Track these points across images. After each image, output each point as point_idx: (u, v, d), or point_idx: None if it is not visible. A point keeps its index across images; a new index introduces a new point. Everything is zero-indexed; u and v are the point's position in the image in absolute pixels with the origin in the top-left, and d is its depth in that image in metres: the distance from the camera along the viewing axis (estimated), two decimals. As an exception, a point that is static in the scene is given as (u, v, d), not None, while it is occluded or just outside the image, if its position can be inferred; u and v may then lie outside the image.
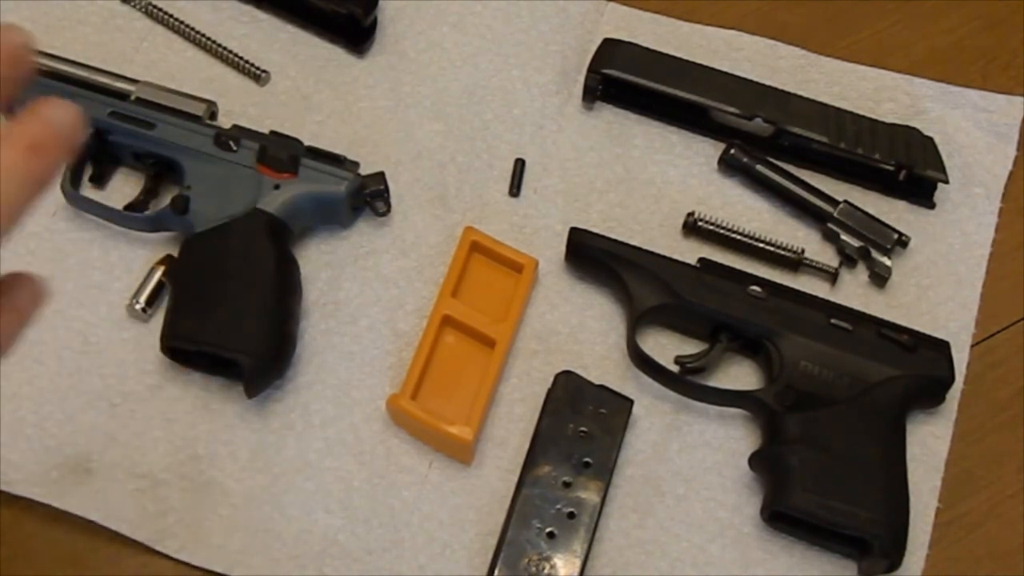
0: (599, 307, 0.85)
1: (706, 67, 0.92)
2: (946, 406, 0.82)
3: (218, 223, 0.81)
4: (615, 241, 0.84)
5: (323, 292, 0.85)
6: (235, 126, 0.86)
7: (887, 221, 0.87)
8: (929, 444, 0.82)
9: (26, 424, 0.79)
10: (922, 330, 0.83)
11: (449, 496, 0.79)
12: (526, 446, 0.79)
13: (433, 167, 0.90)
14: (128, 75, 0.88)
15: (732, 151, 0.89)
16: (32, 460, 0.78)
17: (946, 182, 0.88)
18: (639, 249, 0.84)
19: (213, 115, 0.88)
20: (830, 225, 0.87)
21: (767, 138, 0.90)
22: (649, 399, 0.82)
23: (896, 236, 0.86)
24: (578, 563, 0.75)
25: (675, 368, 0.82)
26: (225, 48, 0.92)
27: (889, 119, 0.91)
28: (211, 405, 0.81)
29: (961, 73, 0.95)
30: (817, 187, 0.89)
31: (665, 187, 0.90)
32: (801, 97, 0.91)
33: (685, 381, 0.81)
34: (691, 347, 0.84)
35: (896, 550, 0.74)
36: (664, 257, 0.84)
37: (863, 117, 0.90)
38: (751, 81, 0.91)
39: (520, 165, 0.90)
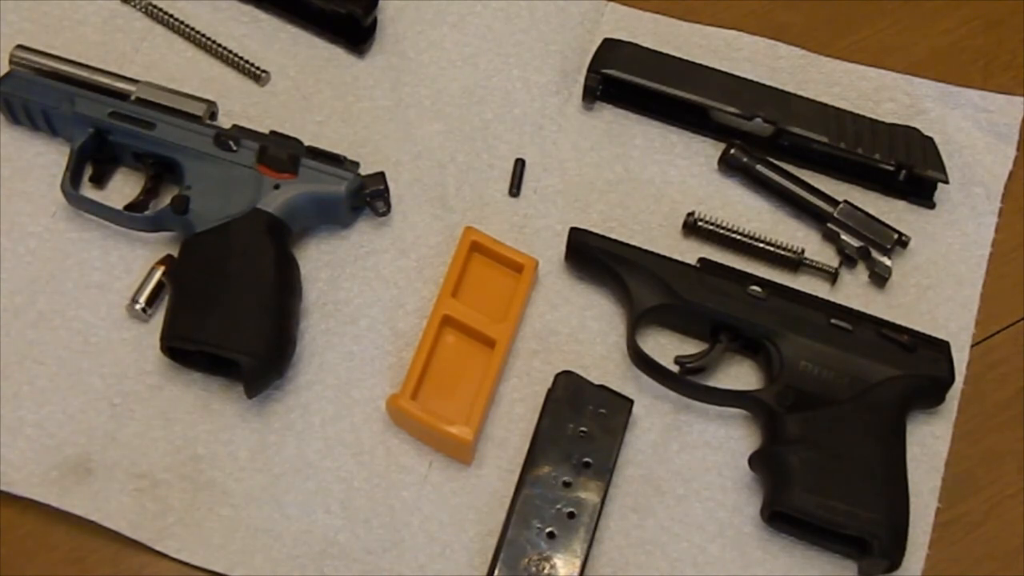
0: (599, 307, 0.85)
1: (706, 67, 0.92)
2: (946, 406, 0.82)
3: (218, 223, 0.81)
4: (615, 241, 0.84)
5: (323, 292, 0.85)
6: (235, 126, 0.86)
7: (887, 221, 0.87)
8: (929, 444, 0.82)
9: (26, 424, 0.79)
10: (922, 330, 0.83)
11: (449, 496, 0.79)
12: (526, 446, 0.79)
13: (433, 167, 0.90)
14: (128, 75, 0.89)
15: (732, 151, 0.89)
16: (32, 460, 0.78)
17: (946, 182, 0.88)
18: (639, 249, 0.84)
19: (213, 115, 0.88)
20: (830, 225, 0.87)
21: (767, 138, 0.90)
22: (649, 399, 0.82)
23: (896, 236, 0.86)
24: (578, 563, 0.75)
25: (675, 368, 0.82)
26: (225, 48, 0.92)
27: (889, 119, 0.91)
28: (211, 405, 0.81)
29: (961, 73, 0.95)
30: (817, 187, 0.89)
31: (665, 187, 0.90)
32: (801, 97, 0.91)
33: (685, 381, 0.81)
34: (691, 347, 0.84)
35: (896, 550, 0.74)
36: (664, 257, 0.84)
37: (863, 117, 0.90)
38: (751, 81, 0.91)
39: (520, 165, 0.90)
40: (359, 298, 0.85)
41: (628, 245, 0.84)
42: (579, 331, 0.84)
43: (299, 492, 0.79)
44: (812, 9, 0.98)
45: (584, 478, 0.77)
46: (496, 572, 0.75)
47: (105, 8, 0.94)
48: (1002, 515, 0.81)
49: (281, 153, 0.84)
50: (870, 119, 0.90)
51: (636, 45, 0.92)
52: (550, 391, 0.80)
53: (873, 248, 0.86)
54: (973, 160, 0.91)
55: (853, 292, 0.87)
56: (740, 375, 0.83)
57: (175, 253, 0.83)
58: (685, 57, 0.92)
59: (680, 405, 0.82)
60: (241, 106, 0.91)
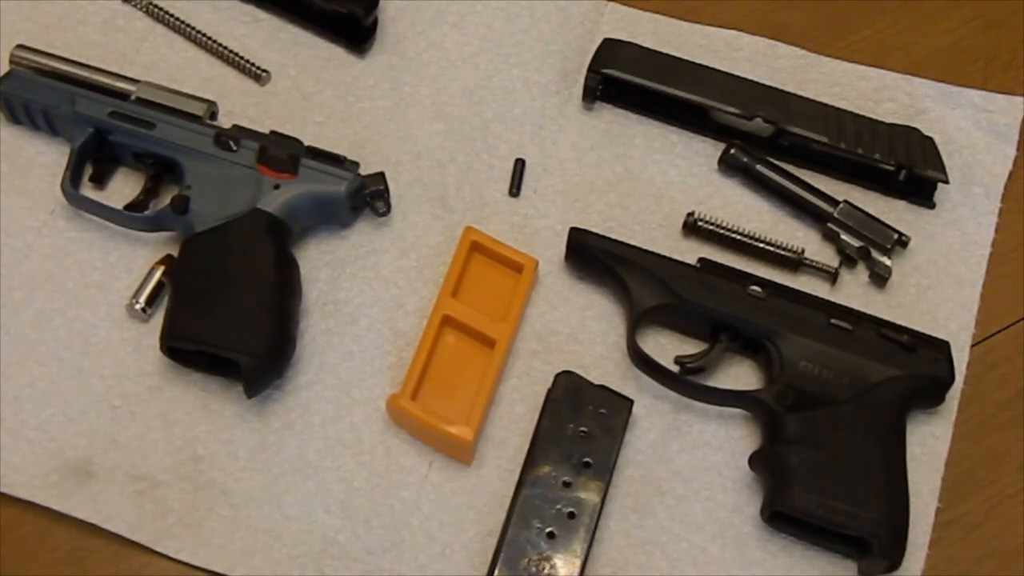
0: (599, 307, 0.85)
1: (706, 67, 0.92)
2: (946, 406, 0.82)
3: (218, 223, 0.81)
4: (615, 241, 0.84)
5: (323, 292, 0.85)
6: (235, 126, 0.86)
7: (887, 221, 0.87)
8: (929, 444, 0.82)
9: (28, 427, 0.79)
10: (922, 330, 0.83)
11: (449, 496, 0.79)
12: (526, 446, 0.79)
13: (433, 167, 0.90)
14: (128, 75, 0.89)
15: (732, 151, 0.89)
16: (33, 463, 0.78)
17: (946, 182, 0.88)
18: (639, 249, 0.84)
19: (213, 115, 0.88)
20: (830, 225, 0.87)
21: (767, 138, 0.90)
22: (649, 399, 0.82)
23: (896, 236, 0.86)
24: (578, 563, 0.75)
25: (675, 368, 0.82)
26: (225, 48, 0.92)
27: (889, 119, 0.91)
28: (211, 405, 0.81)
29: (961, 73, 0.95)
30: (817, 187, 0.89)
31: (665, 187, 0.90)
32: (801, 97, 0.91)
33: (685, 381, 0.81)
34: (691, 347, 0.84)
35: (896, 550, 0.74)
36: (664, 257, 0.84)
37: (863, 117, 0.90)
38: (751, 81, 0.91)
39: (520, 165, 0.90)
40: (359, 298, 0.85)
41: (628, 245, 0.84)
42: (579, 331, 0.84)
43: (299, 492, 0.79)
44: (812, 9, 0.98)
45: (584, 478, 0.77)
46: (496, 572, 0.75)
47: (106, 8, 0.94)
48: (1002, 515, 0.81)
49: (281, 153, 0.84)
50: (870, 119, 0.90)
51: (636, 45, 0.92)
52: (550, 391, 0.80)
53: (873, 248, 0.86)
54: (973, 160, 0.91)
55: (853, 292, 0.87)
56: (740, 375, 0.83)
57: (175, 253, 0.83)
58: (685, 57, 0.92)
59: (680, 405, 0.82)
60: (241, 106, 0.91)
